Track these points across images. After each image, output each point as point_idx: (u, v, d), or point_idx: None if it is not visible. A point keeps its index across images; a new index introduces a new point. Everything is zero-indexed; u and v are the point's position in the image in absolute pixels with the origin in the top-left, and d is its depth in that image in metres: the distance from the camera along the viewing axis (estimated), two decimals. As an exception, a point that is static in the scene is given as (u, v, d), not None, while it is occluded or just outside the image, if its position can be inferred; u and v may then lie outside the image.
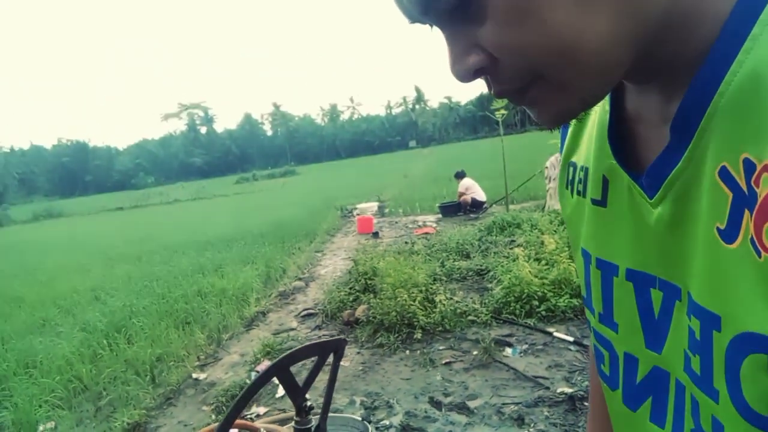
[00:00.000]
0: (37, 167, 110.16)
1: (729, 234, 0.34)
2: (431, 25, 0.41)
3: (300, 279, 7.50)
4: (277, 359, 0.92)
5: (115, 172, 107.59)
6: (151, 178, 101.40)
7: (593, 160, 0.52)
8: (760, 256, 0.32)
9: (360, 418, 1.18)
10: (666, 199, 0.40)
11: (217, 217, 18.60)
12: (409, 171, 27.96)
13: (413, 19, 0.40)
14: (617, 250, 0.48)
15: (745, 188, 0.33)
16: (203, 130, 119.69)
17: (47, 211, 40.79)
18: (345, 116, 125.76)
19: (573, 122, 0.58)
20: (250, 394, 0.88)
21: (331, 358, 1.10)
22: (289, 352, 0.95)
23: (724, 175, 0.35)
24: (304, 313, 5.79)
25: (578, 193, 0.55)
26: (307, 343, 1.01)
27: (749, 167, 0.33)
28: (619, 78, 0.41)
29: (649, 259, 0.44)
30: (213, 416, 3.71)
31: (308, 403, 1.02)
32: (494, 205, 11.74)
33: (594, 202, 0.51)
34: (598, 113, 0.52)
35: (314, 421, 1.07)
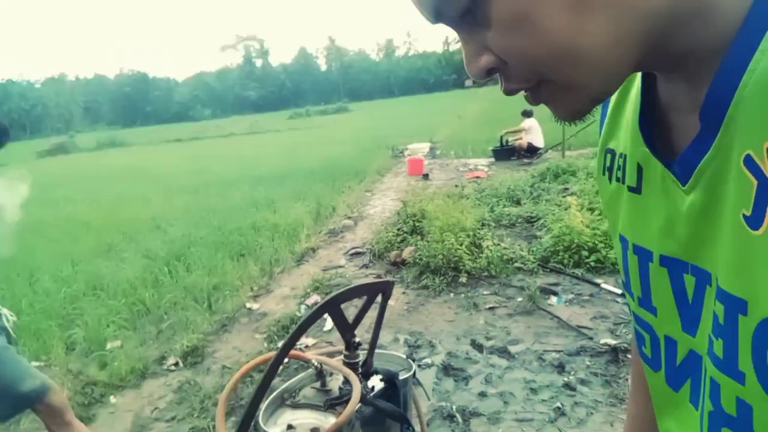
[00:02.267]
0: (100, 96, 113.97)
1: (755, 220, 0.35)
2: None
3: (349, 218, 7.63)
4: (329, 297, 0.97)
5: (174, 103, 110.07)
6: (208, 111, 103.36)
7: (629, 148, 0.52)
8: None
9: (405, 356, 1.24)
10: (698, 186, 0.41)
11: (271, 152, 18.91)
12: (464, 111, 27.36)
13: (433, 22, 0.43)
14: (651, 236, 0.49)
15: None
16: (259, 63, 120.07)
17: (110, 140, 42.43)
18: (401, 52, 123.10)
19: (611, 107, 0.58)
20: (304, 327, 0.94)
21: (379, 299, 1.15)
22: (339, 291, 1.00)
23: (749, 162, 0.35)
24: (353, 251, 5.93)
25: (617, 179, 0.55)
26: (357, 284, 1.05)
27: None
28: (626, 75, 0.42)
29: (682, 246, 0.45)
30: (265, 344, 3.92)
31: (356, 340, 1.08)
32: (550, 151, 11.42)
33: (630, 189, 0.52)
34: (634, 100, 0.52)
35: (362, 356, 1.13)
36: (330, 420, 0.98)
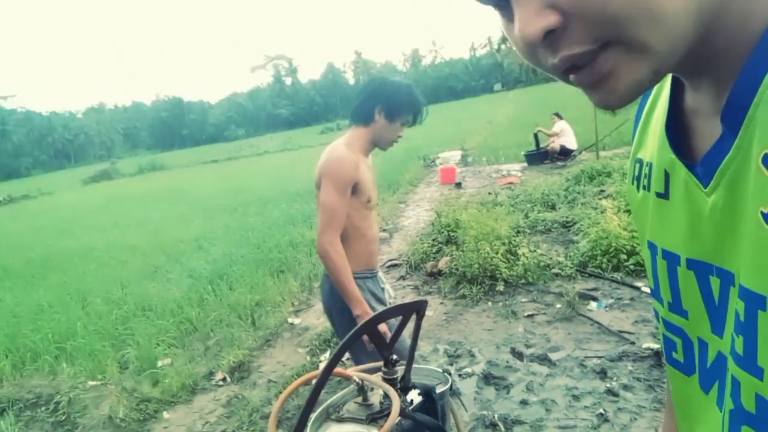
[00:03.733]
0: (138, 122, 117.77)
1: None
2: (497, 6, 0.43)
3: (384, 230, 7.71)
4: (366, 319, 1.04)
5: (209, 125, 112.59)
6: (241, 131, 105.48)
7: (656, 156, 0.54)
8: None
9: (441, 370, 1.29)
10: (719, 187, 0.42)
11: (305, 168, 19.11)
12: (494, 117, 27.21)
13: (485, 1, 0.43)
14: (678, 240, 0.51)
15: None
16: (288, 81, 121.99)
17: (150, 164, 43.63)
18: (427, 61, 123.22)
19: (642, 119, 0.60)
20: (344, 348, 1.01)
21: (414, 317, 1.21)
22: (376, 313, 1.06)
23: (767, 161, 0.37)
24: (389, 263, 6.00)
25: (644, 188, 0.57)
26: (392, 305, 1.12)
27: None
28: (683, 53, 0.41)
29: (706, 248, 0.47)
30: (308, 357, 4.02)
31: (394, 357, 1.15)
32: (584, 153, 11.27)
33: (658, 195, 0.54)
34: (662, 110, 0.54)
35: (400, 371, 1.19)
36: (373, 433, 1.05)
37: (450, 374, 1.26)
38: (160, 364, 4.26)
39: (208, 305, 5.31)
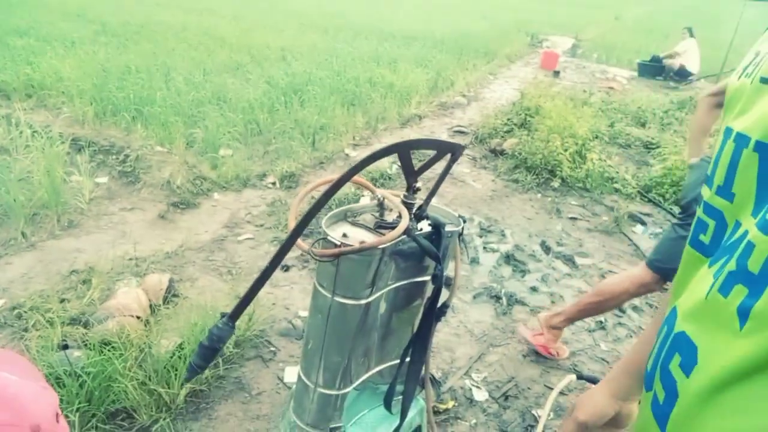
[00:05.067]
0: None
1: None
2: None
3: (464, 96, 7.53)
4: (402, 141, 1.10)
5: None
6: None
7: None
8: None
9: (458, 215, 1.37)
10: None
11: (407, 10, 18.31)
12: (623, 12, 24.63)
13: None
14: (755, 123, 0.52)
15: None
16: None
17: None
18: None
19: None
20: (373, 158, 1.08)
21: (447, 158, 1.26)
22: (413, 139, 1.12)
23: None
24: (457, 128, 5.95)
25: (746, 75, 0.57)
26: (430, 137, 1.17)
27: None
28: None
29: None
30: (353, 188, 4.21)
31: (417, 185, 1.22)
32: (702, 80, 10.29)
33: (762, 80, 0.54)
34: None
35: (419, 201, 1.28)
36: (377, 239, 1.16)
37: (465, 220, 1.33)
38: (221, 152, 4.55)
39: (277, 114, 5.49)
